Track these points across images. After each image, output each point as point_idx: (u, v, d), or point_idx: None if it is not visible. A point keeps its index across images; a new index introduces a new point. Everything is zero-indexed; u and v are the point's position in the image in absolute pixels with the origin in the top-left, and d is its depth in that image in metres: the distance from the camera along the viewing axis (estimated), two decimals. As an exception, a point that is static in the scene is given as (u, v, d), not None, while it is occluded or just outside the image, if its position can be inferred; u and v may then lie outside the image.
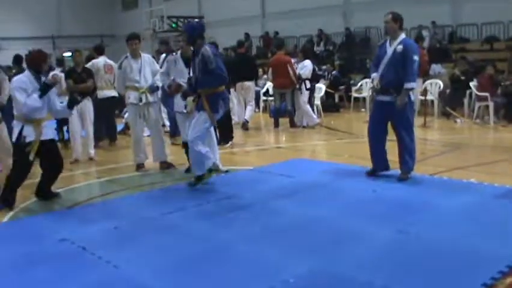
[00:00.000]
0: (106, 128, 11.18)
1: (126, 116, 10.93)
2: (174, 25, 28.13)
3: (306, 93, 12.70)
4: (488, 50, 17.61)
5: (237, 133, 11.44)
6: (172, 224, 5.61)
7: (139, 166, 8.33)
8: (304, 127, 12.59)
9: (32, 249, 5.02)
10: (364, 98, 16.37)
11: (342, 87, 17.45)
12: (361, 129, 10.41)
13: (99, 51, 11.41)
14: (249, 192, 6.65)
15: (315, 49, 21.29)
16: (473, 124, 12.58)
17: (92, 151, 9.46)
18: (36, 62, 6.66)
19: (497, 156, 8.64)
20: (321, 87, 14.74)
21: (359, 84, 17.02)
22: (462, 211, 5.60)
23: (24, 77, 6.56)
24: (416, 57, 6.70)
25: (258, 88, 15.50)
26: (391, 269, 4.22)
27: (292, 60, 12.83)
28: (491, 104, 12.34)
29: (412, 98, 6.89)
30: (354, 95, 16.74)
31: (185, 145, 7.96)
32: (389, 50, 6.83)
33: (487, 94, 12.41)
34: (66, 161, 7.89)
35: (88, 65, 10.37)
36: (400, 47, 6.72)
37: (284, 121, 12.97)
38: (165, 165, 8.22)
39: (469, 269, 4.11)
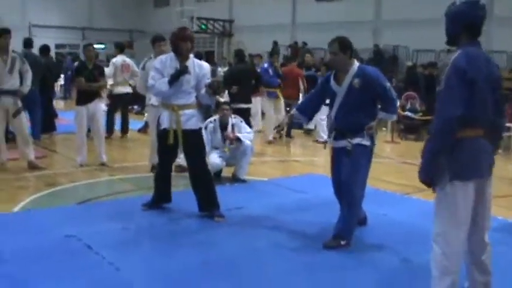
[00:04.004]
0: (121, 121, 11.90)
1: (146, 115, 10.98)
2: (203, 26, 28.23)
3: (323, 109, 12.47)
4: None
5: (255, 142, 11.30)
6: (177, 231, 5.57)
7: (155, 167, 8.18)
8: (317, 141, 12.44)
9: (36, 242, 5.03)
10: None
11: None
12: (381, 148, 10.16)
13: (119, 49, 12.02)
14: (259, 205, 6.56)
15: (341, 63, 21.14)
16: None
17: (104, 156, 8.74)
18: (174, 41, 5.78)
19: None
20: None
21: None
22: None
23: (165, 57, 5.88)
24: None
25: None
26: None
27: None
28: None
29: None
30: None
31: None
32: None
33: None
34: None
35: (110, 63, 11.36)
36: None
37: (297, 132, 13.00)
38: (179, 169, 8.10)
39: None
